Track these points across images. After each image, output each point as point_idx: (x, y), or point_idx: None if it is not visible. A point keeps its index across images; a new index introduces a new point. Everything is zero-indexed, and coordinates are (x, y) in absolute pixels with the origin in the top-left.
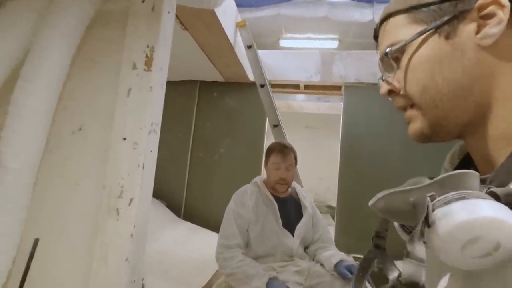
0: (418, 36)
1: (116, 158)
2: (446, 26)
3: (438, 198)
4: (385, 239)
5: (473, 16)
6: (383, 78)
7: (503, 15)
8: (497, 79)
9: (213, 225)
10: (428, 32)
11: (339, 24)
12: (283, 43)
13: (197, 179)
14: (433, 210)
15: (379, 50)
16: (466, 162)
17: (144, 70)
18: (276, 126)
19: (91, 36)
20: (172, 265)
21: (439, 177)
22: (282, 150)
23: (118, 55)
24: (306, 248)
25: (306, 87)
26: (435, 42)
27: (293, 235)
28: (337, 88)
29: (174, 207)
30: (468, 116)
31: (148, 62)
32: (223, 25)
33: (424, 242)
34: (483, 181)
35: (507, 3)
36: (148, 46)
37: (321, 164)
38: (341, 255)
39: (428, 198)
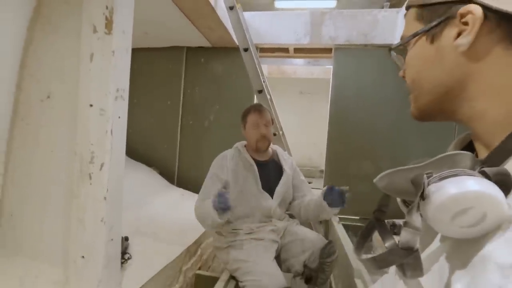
0: (412, 38)
1: (84, 124)
2: (434, 30)
3: (434, 175)
4: (385, 213)
5: (457, 22)
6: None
7: (473, 26)
8: (476, 78)
9: None
10: (419, 34)
11: None
12: (278, 4)
13: (189, 146)
14: (428, 185)
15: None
16: (468, 149)
17: (105, 33)
18: (260, 91)
19: None
20: (161, 227)
21: (436, 157)
22: (257, 108)
23: (78, 17)
24: (289, 204)
25: (296, 50)
26: (423, 45)
27: (273, 197)
28: (328, 50)
29: (168, 175)
30: (453, 108)
31: (109, 25)
32: None
33: (420, 214)
34: (481, 163)
35: (479, 14)
36: (107, 8)
37: (315, 130)
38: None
39: (425, 175)
